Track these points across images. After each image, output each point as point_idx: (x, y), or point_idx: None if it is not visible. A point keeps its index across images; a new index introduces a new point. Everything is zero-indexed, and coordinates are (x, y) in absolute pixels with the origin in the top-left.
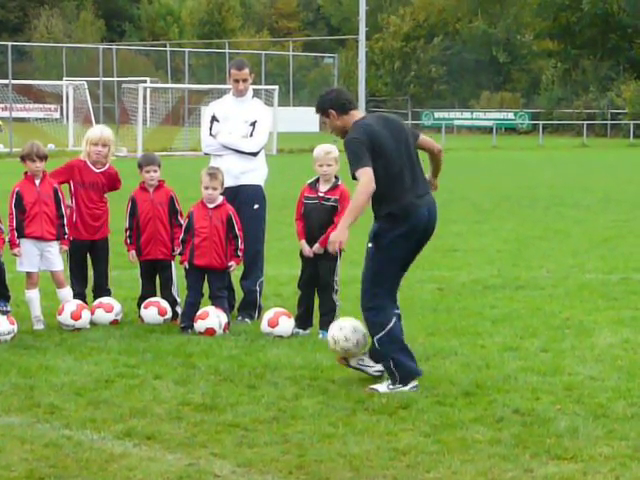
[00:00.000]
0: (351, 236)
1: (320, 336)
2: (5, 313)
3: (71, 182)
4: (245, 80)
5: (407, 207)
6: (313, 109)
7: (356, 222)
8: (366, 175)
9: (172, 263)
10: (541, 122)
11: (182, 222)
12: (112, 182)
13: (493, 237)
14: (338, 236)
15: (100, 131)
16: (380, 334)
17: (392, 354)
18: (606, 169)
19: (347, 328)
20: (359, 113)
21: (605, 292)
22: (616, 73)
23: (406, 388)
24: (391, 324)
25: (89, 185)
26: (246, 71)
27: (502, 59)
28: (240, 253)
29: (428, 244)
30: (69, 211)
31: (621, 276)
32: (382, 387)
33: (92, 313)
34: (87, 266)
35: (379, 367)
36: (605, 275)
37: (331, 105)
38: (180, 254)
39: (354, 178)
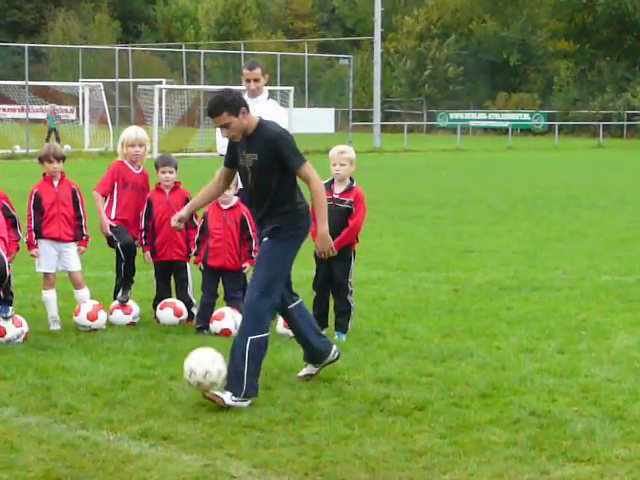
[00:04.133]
0: (366, 237)
1: (335, 337)
2: (7, 319)
3: (115, 184)
4: (257, 80)
5: (303, 208)
6: (329, 110)
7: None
8: (314, 171)
9: (187, 264)
10: (557, 123)
11: (197, 223)
12: (147, 183)
13: (509, 238)
14: (323, 245)
15: (135, 132)
16: (257, 336)
17: (252, 363)
18: (622, 170)
19: (205, 361)
20: (254, 114)
21: (621, 294)
22: (632, 74)
23: (245, 404)
24: (269, 333)
25: (132, 186)
26: (257, 71)
27: (513, 62)
28: (254, 254)
29: (443, 245)
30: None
31: (638, 277)
32: (226, 397)
33: (110, 314)
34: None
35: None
36: (621, 277)
37: (243, 103)
38: (195, 255)
39: (297, 171)
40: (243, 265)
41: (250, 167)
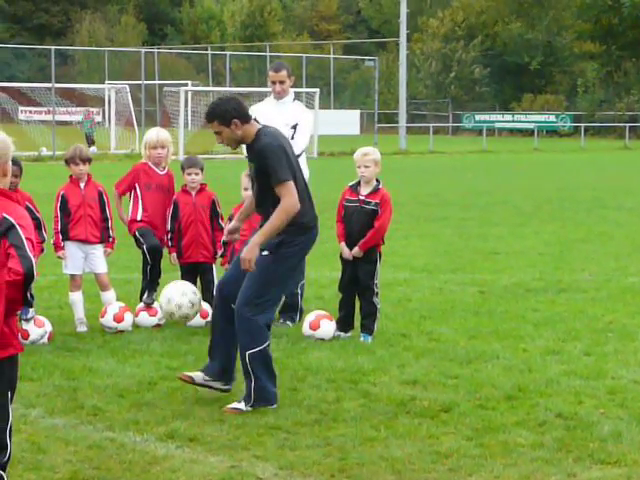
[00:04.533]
0: (392, 239)
1: (361, 339)
2: (28, 320)
3: (137, 186)
4: (282, 82)
5: (311, 220)
6: (354, 112)
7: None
8: (292, 194)
9: (213, 266)
10: (583, 124)
11: (223, 225)
12: (172, 184)
13: (535, 240)
14: (249, 254)
15: (157, 134)
16: (255, 349)
17: (259, 374)
18: None
19: (175, 295)
20: (256, 124)
21: None
22: None
23: (244, 408)
24: (268, 342)
25: (156, 187)
26: (283, 73)
27: (534, 65)
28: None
29: (469, 246)
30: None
31: None
32: (243, 406)
33: (136, 315)
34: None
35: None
36: None
37: (237, 114)
38: (221, 257)
39: (275, 186)
40: None
41: (253, 176)
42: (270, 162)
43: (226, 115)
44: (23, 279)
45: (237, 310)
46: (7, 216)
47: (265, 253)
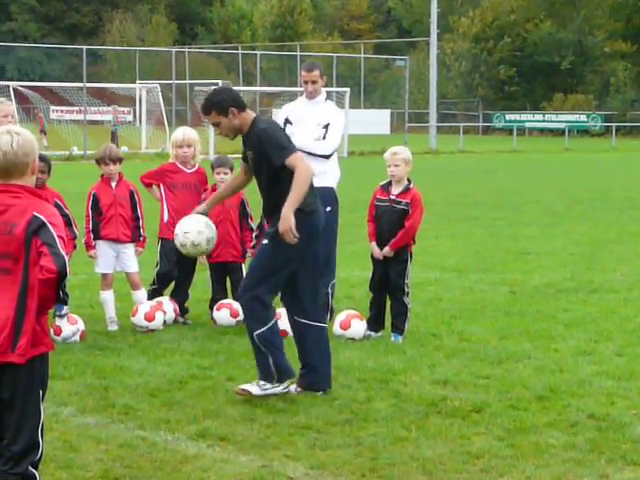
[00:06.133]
0: (422, 238)
1: (392, 339)
2: (62, 317)
3: (161, 186)
4: (315, 82)
5: (309, 205)
6: (385, 111)
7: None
8: (303, 160)
9: (242, 265)
10: (614, 124)
11: (252, 225)
12: (203, 182)
13: (566, 240)
14: (286, 224)
15: (182, 133)
16: (261, 330)
17: (272, 350)
18: None
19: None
20: (252, 112)
21: None
22: None
23: (279, 388)
24: (274, 319)
25: (182, 186)
26: (315, 73)
27: (565, 65)
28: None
29: (500, 246)
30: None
31: None
32: (254, 388)
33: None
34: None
35: (291, 387)
36: None
37: (233, 102)
38: (250, 256)
39: (282, 166)
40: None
41: (255, 168)
42: (273, 141)
43: (223, 104)
44: (56, 277)
45: (239, 296)
46: (38, 214)
47: (265, 242)
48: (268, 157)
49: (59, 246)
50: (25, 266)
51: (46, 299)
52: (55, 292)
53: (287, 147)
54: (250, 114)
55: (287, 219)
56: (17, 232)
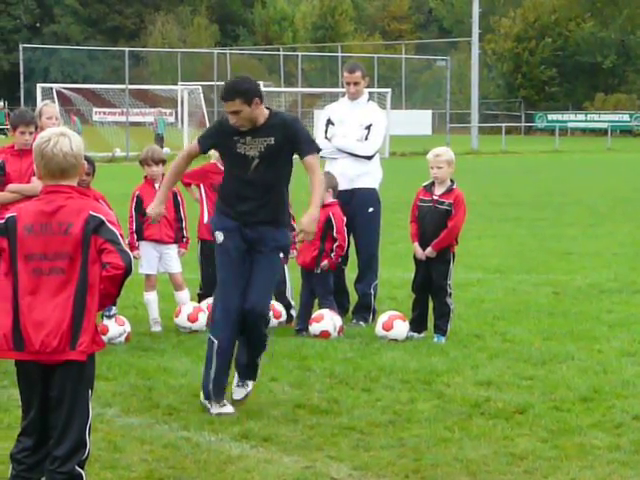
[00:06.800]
0: (465, 239)
1: (435, 340)
2: (110, 317)
3: (202, 186)
4: (357, 83)
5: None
6: (426, 112)
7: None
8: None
9: (285, 266)
10: None
11: (294, 225)
12: None
13: (609, 240)
14: (315, 224)
15: None
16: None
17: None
18: None
19: None
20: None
21: None
22: None
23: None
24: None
25: None
26: (358, 74)
27: (607, 64)
28: (334, 255)
29: (542, 247)
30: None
31: None
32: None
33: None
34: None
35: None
36: None
37: (258, 93)
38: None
39: (308, 155)
40: (322, 264)
41: (259, 153)
42: (305, 132)
43: (249, 93)
44: (123, 273)
45: (256, 310)
46: (95, 213)
47: (281, 255)
48: (295, 145)
49: (122, 242)
50: (83, 265)
51: (107, 296)
52: (118, 289)
53: (315, 143)
54: (263, 107)
55: (317, 219)
56: (74, 231)
